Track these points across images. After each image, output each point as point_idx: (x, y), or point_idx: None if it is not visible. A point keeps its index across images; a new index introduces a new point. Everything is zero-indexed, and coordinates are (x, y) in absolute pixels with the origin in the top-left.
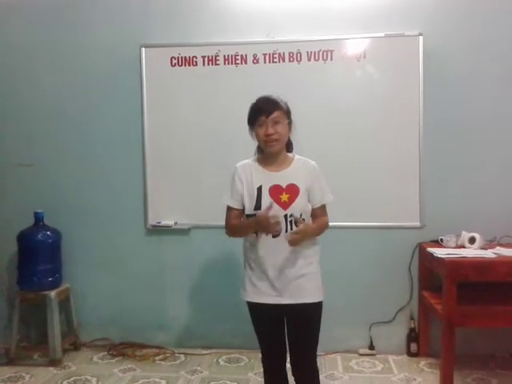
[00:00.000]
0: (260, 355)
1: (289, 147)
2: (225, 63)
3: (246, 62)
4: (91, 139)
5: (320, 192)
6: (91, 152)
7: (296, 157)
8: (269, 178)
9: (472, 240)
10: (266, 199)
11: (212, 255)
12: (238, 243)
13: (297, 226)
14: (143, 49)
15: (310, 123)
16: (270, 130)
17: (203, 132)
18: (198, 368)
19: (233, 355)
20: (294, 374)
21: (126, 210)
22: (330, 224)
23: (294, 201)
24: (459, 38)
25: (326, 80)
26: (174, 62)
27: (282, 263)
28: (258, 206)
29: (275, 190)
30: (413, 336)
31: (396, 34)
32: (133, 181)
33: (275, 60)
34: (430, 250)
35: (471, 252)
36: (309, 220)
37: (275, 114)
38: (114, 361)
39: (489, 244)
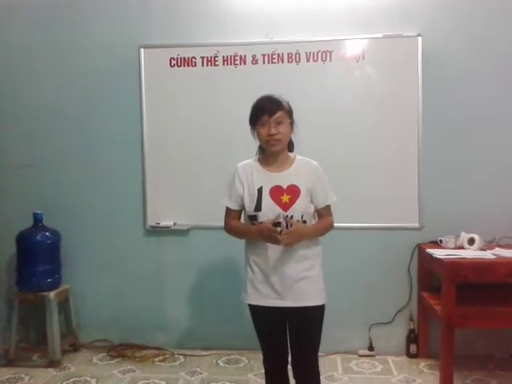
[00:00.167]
0: (260, 356)
1: (290, 147)
2: (224, 64)
3: (245, 63)
4: (90, 140)
5: (323, 192)
6: (90, 153)
7: (297, 157)
8: (270, 178)
9: (471, 241)
10: (267, 200)
11: (211, 256)
12: (237, 244)
13: (290, 226)
14: (142, 49)
15: (309, 124)
16: (273, 130)
17: (202, 132)
18: (198, 369)
19: (232, 356)
20: (295, 376)
21: (125, 210)
22: None
23: (294, 202)
24: (458, 39)
25: (324, 81)
26: (173, 62)
27: (284, 265)
28: (258, 207)
29: (276, 191)
30: (412, 337)
31: (395, 34)
32: (132, 181)
33: (274, 61)
34: (430, 250)
35: (470, 253)
36: (311, 221)
37: (278, 114)
38: (113, 362)
39: (488, 245)
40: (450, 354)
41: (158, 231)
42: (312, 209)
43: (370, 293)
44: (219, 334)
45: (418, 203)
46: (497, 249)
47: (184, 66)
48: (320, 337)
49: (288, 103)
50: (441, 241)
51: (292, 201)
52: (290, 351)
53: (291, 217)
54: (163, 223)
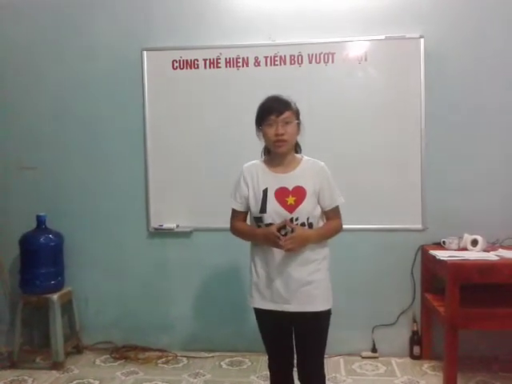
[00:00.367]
0: (264, 358)
1: (297, 149)
2: (226, 66)
3: (247, 65)
4: (93, 143)
5: (330, 194)
6: (93, 155)
7: (304, 158)
8: (275, 180)
9: (474, 242)
10: (272, 202)
11: (214, 258)
12: (240, 245)
13: (292, 231)
14: (145, 52)
15: (311, 125)
16: (281, 130)
17: (205, 135)
18: (201, 371)
19: (235, 358)
20: (300, 379)
21: (128, 212)
22: None
23: (300, 204)
24: (460, 40)
25: (327, 82)
26: (176, 65)
27: (289, 269)
28: (263, 209)
29: (281, 193)
30: (416, 339)
31: (397, 36)
32: (135, 184)
33: (276, 63)
34: (433, 252)
35: (473, 254)
36: (318, 223)
37: (286, 114)
38: (116, 364)
39: (491, 246)
40: (454, 355)
41: (161, 233)
42: (319, 211)
43: (373, 294)
44: (222, 336)
45: (420, 204)
46: (500, 250)
47: (187, 68)
48: (326, 341)
49: (295, 104)
50: (444, 242)
51: (297, 203)
52: (295, 354)
53: (296, 219)
54: (166, 225)
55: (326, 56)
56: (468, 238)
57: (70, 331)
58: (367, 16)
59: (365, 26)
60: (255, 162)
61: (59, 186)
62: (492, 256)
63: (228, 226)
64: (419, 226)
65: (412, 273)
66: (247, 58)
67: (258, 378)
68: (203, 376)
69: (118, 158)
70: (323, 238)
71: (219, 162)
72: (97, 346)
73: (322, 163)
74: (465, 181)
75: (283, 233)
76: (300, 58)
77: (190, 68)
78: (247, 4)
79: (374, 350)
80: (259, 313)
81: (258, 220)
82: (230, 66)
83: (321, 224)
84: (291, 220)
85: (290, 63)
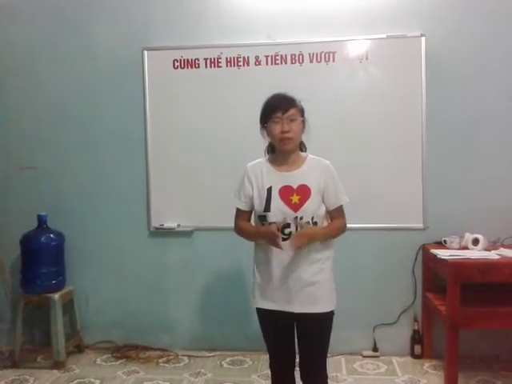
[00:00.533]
0: (265, 357)
1: (301, 147)
2: (227, 65)
3: (248, 64)
4: (94, 142)
5: (334, 193)
6: (94, 154)
7: (309, 156)
8: (280, 178)
9: (475, 241)
10: (276, 201)
11: (215, 257)
12: (240, 245)
13: (296, 229)
14: (145, 52)
15: (312, 125)
16: (286, 127)
17: (206, 134)
18: (202, 370)
19: (236, 357)
20: (302, 379)
21: (129, 212)
22: None
23: (304, 202)
24: (461, 39)
25: (328, 81)
26: (177, 64)
27: (292, 269)
28: (267, 208)
29: (285, 191)
30: (417, 338)
31: (398, 35)
32: (136, 183)
33: (277, 62)
34: (434, 251)
35: (475, 253)
36: (322, 223)
37: (291, 112)
38: (117, 363)
39: (492, 245)
40: (455, 354)
41: (161, 233)
42: (323, 210)
43: (374, 293)
44: (223, 335)
45: (422, 204)
46: (501, 249)
47: (187, 67)
48: (328, 342)
49: (300, 101)
50: (445, 241)
51: (302, 201)
52: (296, 354)
53: (301, 218)
54: (167, 225)
55: (326, 55)
56: (469, 237)
57: (71, 330)
58: (368, 15)
59: (365, 25)
60: (259, 161)
61: (60, 185)
62: (493, 255)
63: (229, 225)
64: (420, 225)
65: (413, 272)
66: (248, 57)
67: (259, 377)
68: (204, 375)
69: (119, 157)
70: (329, 236)
71: (220, 161)
72: (98, 345)
73: (327, 162)
74: (466, 180)
75: (287, 232)
76: (301, 57)
77: (191, 67)
78: (248, 3)
79: (375, 349)
80: (261, 313)
81: (262, 219)
82: (230, 66)
83: (325, 224)
84: (295, 219)
85: (291, 62)
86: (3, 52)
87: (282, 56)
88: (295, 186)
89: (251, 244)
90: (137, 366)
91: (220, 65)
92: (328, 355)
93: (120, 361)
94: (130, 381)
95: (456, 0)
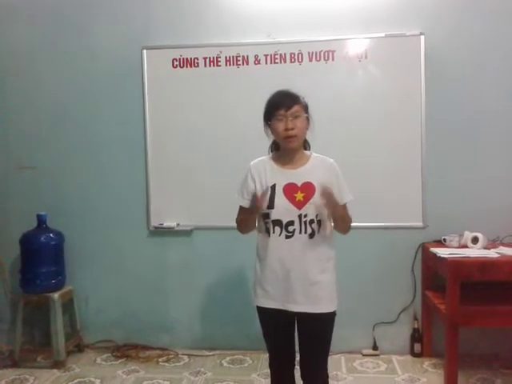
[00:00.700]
0: (265, 356)
1: (305, 145)
2: (226, 64)
3: (247, 63)
4: (93, 141)
5: (339, 191)
6: (93, 154)
7: (313, 154)
8: (284, 176)
9: (475, 240)
10: (280, 198)
11: (214, 256)
12: (240, 244)
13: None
14: (145, 51)
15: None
16: (290, 125)
17: (205, 133)
18: (202, 369)
19: (236, 356)
20: (302, 378)
21: (128, 211)
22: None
23: (309, 200)
24: (460, 37)
25: (327, 80)
26: (176, 63)
27: (295, 268)
28: (270, 205)
29: (290, 189)
30: (416, 336)
31: (397, 33)
32: (135, 182)
33: (277, 61)
34: (433, 249)
35: (474, 252)
36: (326, 222)
37: (295, 108)
38: (117, 362)
39: (492, 244)
40: (455, 352)
41: (161, 232)
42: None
43: (373, 292)
44: (223, 334)
45: (421, 202)
46: (501, 247)
47: (187, 66)
48: (329, 342)
49: (303, 97)
50: (444, 240)
51: (306, 199)
52: (296, 353)
53: (305, 215)
54: (166, 224)
55: (326, 54)
56: (468, 235)
57: (70, 330)
58: (367, 14)
59: (365, 24)
60: (263, 159)
61: (59, 185)
62: (492, 253)
63: (228, 224)
64: (420, 224)
65: (413, 270)
66: (247, 56)
67: (258, 375)
68: (204, 374)
69: (119, 156)
70: (345, 214)
71: (219, 160)
72: (98, 344)
73: (332, 160)
74: (465, 178)
75: (291, 229)
76: (300, 56)
77: (190, 66)
78: (247, 2)
79: (374, 347)
80: (262, 311)
81: (266, 216)
82: (229, 65)
83: (328, 224)
84: (299, 216)
85: (290, 61)
86: (3, 52)
87: (281, 55)
88: (299, 184)
89: (251, 243)
90: (137, 366)
91: (219, 64)
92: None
93: (120, 360)
94: (129, 380)
95: None
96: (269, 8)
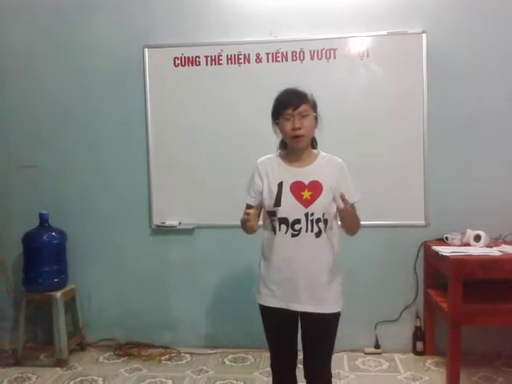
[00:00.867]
0: (266, 354)
1: (313, 143)
2: (228, 63)
3: (249, 62)
4: (95, 140)
5: (348, 191)
6: (95, 153)
7: (321, 153)
8: (291, 174)
9: (477, 238)
10: (287, 196)
11: (216, 254)
12: (241, 242)
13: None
14: (146, 49)
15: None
16: (297, 124)
17: (207, 132)
18: (204, 368)
19: (238, 355)
20: (305, 377)
21: (130, 210)
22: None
23: (316, 199)
24: (462, 35)
25: (329, 79)
26: (177, 62)
27: (301, 267)
28: (277, 203)
29: (297, 187)
30: (419, 334)
31: (399, 31)
32: (137, 181)
33: (278, 59)
34: (435, 248)
35: (476, 250)
36: (332, 222)
37: (303, 108)
38: (120, 361)
39: (494, 242)
40: (457, 351)
41: (163, 230)
42: (334, 208)
43: (376, 291)
44: (225, 333)
45: (423, 201)
46: (503, 245)
47: (188, 65)
48: (333, 343)
49: (312, 95)
50: (447, 238)
51: (313, 197)
52: (300, 352)
53: (311, 214)
54: (168, 222)
55: (327, 52)
56: (471, 233)
57: (73, 328)
58: (369, 11)
59: (366, 22)
60: (270, 156)
61: (61, 184)
62: (495, 251)
63: (230, 223)
64: (422, 222)
65: (415, 269)
66: (249, 54)
67: (261, 374)
68: (206, 372)
69: (120, 155)
70: (356, 223)
71: (221, 158)
72: (100, 343)
73: (340, 159)
74: (467, 176)
75: (297, 228)
76: (302, 54)
77: (192, 65)
78: (248, 0)
79: (377, 345)
80: (265, 310)
81: (272, 214)
82: (231, 63)
83: (335, 224)
84: (306, 215)
85: (292, 59)
86: (3, 52)
87: (282, 53)
88: (307, 182)
89: (252, 241)
90: (139, 364)
91: (221, 62)
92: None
93: (122, 358)
94: (132, 378)
95: None
96: (270, 6)
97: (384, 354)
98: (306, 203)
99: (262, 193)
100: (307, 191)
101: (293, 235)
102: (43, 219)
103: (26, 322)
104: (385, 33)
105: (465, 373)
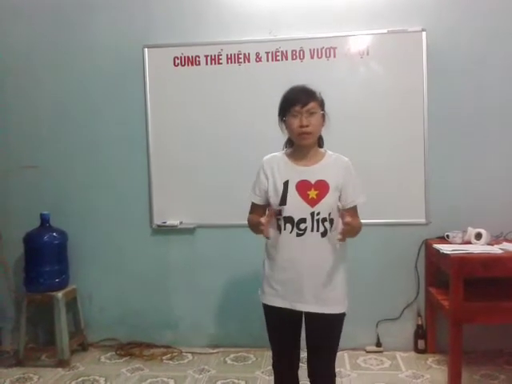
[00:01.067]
0: (268, 353)
1: (320, 142)
2: (228, 62)
3: (248, 61)
4: (95, 140)
5: (353, 191)
6: (96, 153)
7: (328, 152)
8: (297, 172)
9: (478, 236)
10: (293, 194)
11: (217, 254)
12: (242, 242)
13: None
14: (146, 49)
15: None
16: (305, 122)
17: (207, 131)
18: (206, 367)
19: (240, 354)
20: (309, 376)
21: (131, 210)
22: None
23: (322, 198)
24: (462, 33)
25: (329, 77)
26: (177, 61)
27: (306, 267)
28: (283, 201)
29: (303, 186)
30: (420, 333)
31: (399, 30)
32: (138, 181)
33: (278, 58)
34: (436, 246)
35: (477, 248)
36: (338, 221)
37: (310, 105)
38: (121, 361)
39: (495, 240)
40: (458, 349)
41: (164, 230)
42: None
43: (377, 289)
44: (227, 332)
45: (424, 199)
46: (504, 243)
47: (188, 64)
48: (338, 343)
49: (320, 93)
50: (448, 236)
51: (320, 197)
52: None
53: (317, 213)
54: (169, 222)
55: (327, 51)
56: (472, 231)
57: (74, 329)
58: (368, 10)
59: (366, 20)
60: (276, 155)
61: (62, 184)
62: (496, 249)
63: (230, 222)
64: (423, 220)
65: (416, 267)
66: (248, 53)
67: (262, 373)
68: (208, 372)
69: (121, 155)
70: (357, 232)
71: (221, 158)
72: (102, 343)
73: (347, 159)
74: (468, 174)
75: (303, 227)
76: (301, 53)
77: (192, 65)
78: None
79: (378, 344)
80: (269, 309)
81: (277, 213)
82: (231, 62)
83: (340, 224)
84: (312, 214)
85: (292, 58)
86: (3, 52)
87: (282, 52)
88: (313, 181)
89: (253, 241)
90: (141, 364)
91: (220, 62)
92: None
93: (124, 358)
94: (134, 378)
95: None
96: (270, 5)
97: (385, 353)
98: (312, 202)
99: (267, 191)
100: (313, 190)
101: (298, 235)
102: (44, 219)
103: (27, 323)
104: (385, 31)
105: (466, 371)
